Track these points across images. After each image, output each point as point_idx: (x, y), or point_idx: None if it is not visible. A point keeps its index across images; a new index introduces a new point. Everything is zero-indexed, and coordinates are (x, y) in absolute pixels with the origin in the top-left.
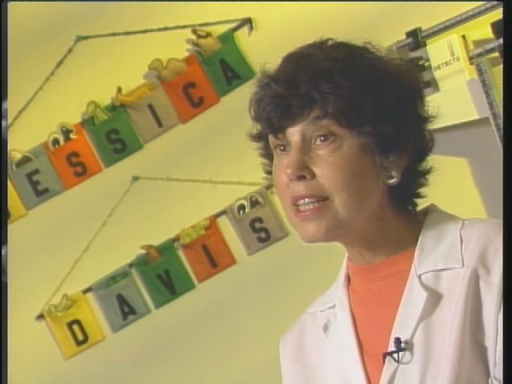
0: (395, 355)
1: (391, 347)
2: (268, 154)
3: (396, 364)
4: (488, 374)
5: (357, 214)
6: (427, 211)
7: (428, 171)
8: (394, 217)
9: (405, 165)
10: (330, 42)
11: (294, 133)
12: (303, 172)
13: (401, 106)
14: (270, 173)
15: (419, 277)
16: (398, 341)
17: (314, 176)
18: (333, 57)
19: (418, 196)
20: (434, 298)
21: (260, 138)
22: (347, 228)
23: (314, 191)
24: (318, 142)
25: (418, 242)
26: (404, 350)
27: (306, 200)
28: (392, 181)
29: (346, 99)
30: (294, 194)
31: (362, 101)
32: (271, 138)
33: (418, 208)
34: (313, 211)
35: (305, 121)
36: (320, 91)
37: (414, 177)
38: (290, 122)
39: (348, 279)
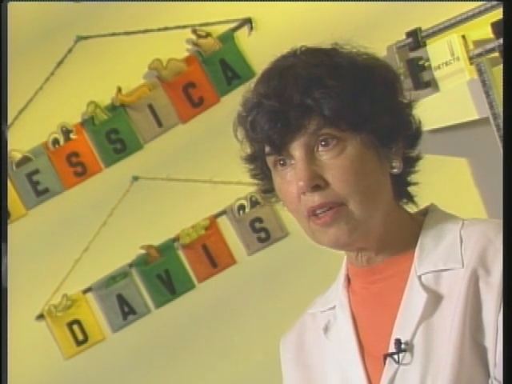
0: (395, 356)
1: (391, 348)
2: (263, 174)
3: (396, 365)
4: (488, 375)
5: (374, 212)
6: (427, 211)
7: (418, 158)
8: (398, 211)
9: (402, 153)
10: (302, 50)
11: (297, 147)
12: (316, 181)
13: (388, 96)
14: (266, 192)
15: (419, 277)
16: (398, 342)
17: (327, 183)
18: (315, 62)
19: (411, 184)
20: (435, 299)
21: (255, 158)
22: (367, 228)
23: (329, 199)
24: (321, 148)
25: (418, 243)
26: (404, 351)
27: (324, 208)
28: (395, 170)
29: (341, 100)
30: (311, 204)
31: (356, 99)
32: (271, 156)
33: (418, 208)
34: (331, 215)
35: (306, 133)
36: (314, 98)
37: (408, 164)
38: (292, 137)
39: (348, 280)
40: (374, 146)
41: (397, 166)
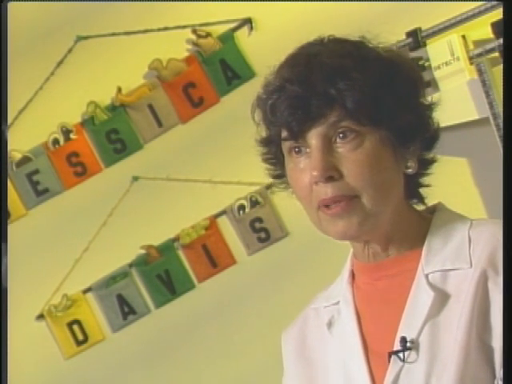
0: (401, 354)
1: (397, 346)
2: (276, 159)
3: (401, 363)
4: (494, 375)
5: (384, 207)
6: (434, 209)
7: (433, 160)
8: (408, 210)
9: (418, 153)
10: (330, 39)
11: (314, 136)
12: (331, 172)
13: (410, 95)
14: (276, 177)
15: (426, 276)
16: (403, 340)
17: (341, 175)
18: (342, 53)
19: (423, 186)
20: (441, 298)
21: (270, 142)
22: (376, 223)
23: (342, 191)
24: (338, 140)
25: (426, 241)
26: (410, 349)
27: (336, 202)
28: (410, 170)
29: (364, 94)
30: (323, 196)
31: (379, 94)
32: (287, 142)
33: (426, 206)
34: (343, 207)
35: (325, 123)
36: (338, 88)
37: (422, 166)
38: (311, 125)
39: (352, 276)
40: (392, 145)
41: (412, 167)
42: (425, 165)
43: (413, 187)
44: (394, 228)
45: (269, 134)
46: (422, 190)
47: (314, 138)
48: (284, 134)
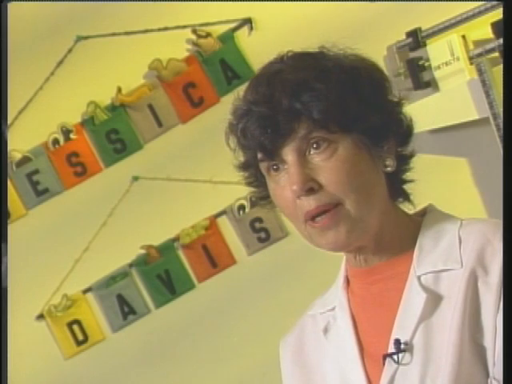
0: (395, 356)
1: (391, 348)
2: (258, 181)
3: (396, 365)
4: (487, 375)
5: (370, 210)
6: (425, 212)
7: (412, 155)
8: (395, 213)
9: (395, 151)
10: (289, 55)
11: (289, 151)
12: (310, 184)
13: (376, 96)
14: (263, 199)
15: (418, 278)
16: (397, 342)
17: (320, 186)
18: (302, 66)
19: (406, 182)
20: (434, 299)
21: (248, 166)
22: (364, 228)
23: (324, 201)
24: (313, 151)
25: (417, 243)
26: (404, 351)
27: (321, 214)
28: (389, 169)
29: (329, 103)
30: (307, 208)
31: (344, 100)
32: (264, 162)
33: (414, 207)
34: (329, 218)
35: (296, 137)
36: (302, 101)
37: (401, 162)
38: (283, 142)
39: (347, 281)
40: (366, 146)
41: (390, 165)
42: (404, 160)
43: (396, 185)
44: (383, 231)
45: (246, 158)
46: (408, 188)
47: (288, 153)
48: (259, 155)
